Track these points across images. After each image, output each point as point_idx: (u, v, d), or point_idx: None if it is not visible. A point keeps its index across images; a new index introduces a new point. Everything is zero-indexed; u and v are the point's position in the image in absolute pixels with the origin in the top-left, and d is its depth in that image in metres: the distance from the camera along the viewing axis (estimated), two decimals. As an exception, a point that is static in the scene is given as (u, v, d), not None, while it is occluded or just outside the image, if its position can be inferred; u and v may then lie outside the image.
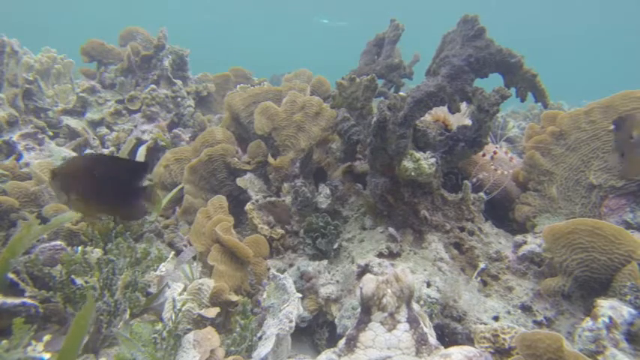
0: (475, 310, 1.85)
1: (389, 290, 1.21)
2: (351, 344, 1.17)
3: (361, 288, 1.24)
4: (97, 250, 1.89)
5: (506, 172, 2.35)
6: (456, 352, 1.14)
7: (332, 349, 1.23)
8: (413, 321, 1.19)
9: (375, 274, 1.80)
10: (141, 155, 2.68)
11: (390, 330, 1.16)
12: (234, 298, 1.89)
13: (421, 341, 1.15)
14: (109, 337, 1.64)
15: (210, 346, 1.53)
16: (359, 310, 1.25)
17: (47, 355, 1.41)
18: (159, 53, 3.96)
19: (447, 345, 1.76)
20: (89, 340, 1.58)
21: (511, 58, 1.99)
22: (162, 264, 1.95)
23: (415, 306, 1.30)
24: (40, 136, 2.99)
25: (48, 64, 4.45)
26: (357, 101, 2.10)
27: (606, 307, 1.49)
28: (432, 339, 1.19)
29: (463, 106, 2.15)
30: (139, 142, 3.34)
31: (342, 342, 1.21)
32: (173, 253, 2.22)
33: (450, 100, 2.02)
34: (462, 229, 2.20)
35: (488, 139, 2.13)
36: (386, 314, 1.18)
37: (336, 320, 1.93)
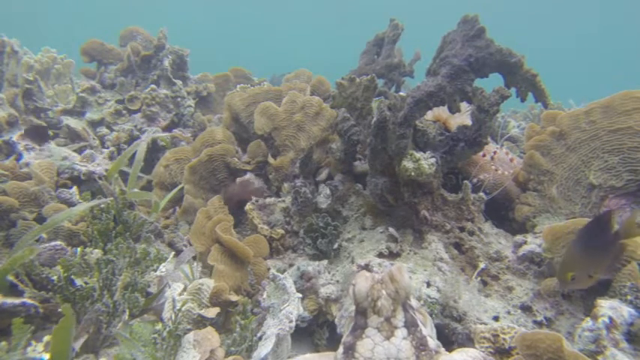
0: (475, 310, 1.84)
1: (384, 292, 1.15)
2: (349, 354, 1.12)
3: (354, 285, 1.18)
4: (96, 250, 1.88)
5: (506, 173, 2.35)
6: (459, 358, 1.12)
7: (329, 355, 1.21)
8: (411, 325, 1.14)
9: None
10: (140, 154, 2.68)
11: (387, 337, 1.11)
12: (234, 298, 1.89)
13: (420, 347, 1.11)
14: (108, 337, 1.64)
15: (210, 346, 1.53)
16: (353, 308, 1.22)
17: (47, 356, 1.41)
18: (159, 53, 3.96)
19: (447, 345, 1.76)
20: (89, 340, 1.58)
21: (511, 58, 1.99)
22: (163, 264, 1.95)
23: (414, 302, 1.25)
24: (40, 136, 2.99)
25: (48, 64, 4.45)
26: (357, 101, 2.10)
27: (606, 307, 1.49)
28: (432, 341, 1.15)
29: (463, 105, 2.15)
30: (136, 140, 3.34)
31: (340, 351, 1.17)
32: (173, 253, 2.22)
33: (450, 100, 2.02)
34: (462, 229, 2.20)
35: (489, 139, 2.13)
36: (382, 319, 1.14)
37: (336, 320, 1.93)
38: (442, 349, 1.16)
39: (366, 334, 1.14)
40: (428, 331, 1.18)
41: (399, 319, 1.14)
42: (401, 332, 1.12)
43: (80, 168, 2.69)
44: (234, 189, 2.52)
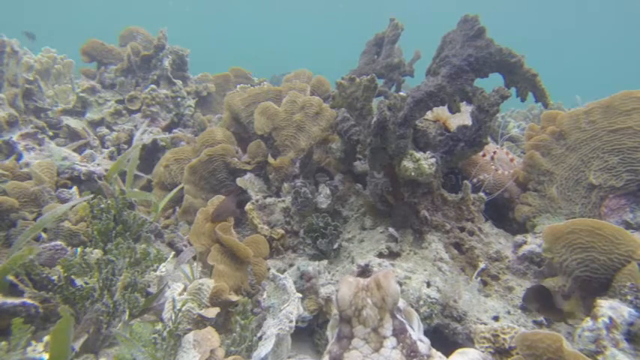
0: (475, 310, 1.84)
1: (369, 300, 1.07)
2: None
3: (337, 292, 1.10)
4: (96, 250, 1.88)
5: (506, 173, 2.35)
6: None
7: None
8: (399, 332, 1.07)
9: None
10: (135, 153, 2.68)
11: (376, 349, 1.04)
12: (234, 298, 1.89)
13: (411, 354, 1.04)
14: (108, 337, 1.64)
15: (210, 346, 1.53)
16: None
17: (47, 356, 1.41)
18: (159, 53, 3.96)
19: (447, 345, 1.75)
20: (89, 340, 1.58)
21: (511, 58, 1.99)
22: (163, 264, 1.95)
23: (401, 302, 1.17)
24: (40, 136, 2.99)
25: (48, 64, 4.44)
26: (357, 101, 2.10)
27: (606, 307, 1.49)
28: (423, 345, 1.09)
29: (463, 106, 2.15)
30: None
31: None
32: (173, 253, 2.22)
33: (450, 100, 2.02)
34: (462, 229, 2.20)
35: (489, 139, 2.13)
36: (369, 329, 1.06)
37: (336, 320, 1.93)
38: (434, 351, 1.12)
39: (352, 345, 1.06)
40: (417, 333, 1.13)
41: (387, 327, 1.07)
42: (390, 342, 1.06)
43: (80, 168, 2.69)
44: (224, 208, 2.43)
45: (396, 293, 1.08)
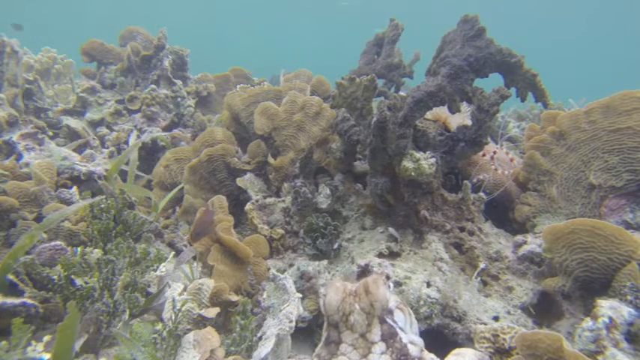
0: (475, 310, 1.84)
1: (357, 306, 1.05)
2: None
3: (324, 297, 1.10)
4: (96, 250, 1.88)
5: (506, 172, 2.35)
6: None
7: None
8: (389, 337, 1.05)
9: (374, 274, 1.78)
10: (134, 153, 2.68)
11: (364, 355, 1.03)
12: (234, 298, 1.89)
13: (401, 358, 1.03)
14: (108, 338, 1.64)
15: (210, 346, 1.53)
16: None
17: (47, 356, 1.41)
18: (159, 53, 3.96)
19: (446, 345, 1.75)
20: (89, 340, 1.58)
21: (511, 58, 1.99)
22: (163, 264, 1.95)
23: (392, 301, 1.14)
24: (40, 136, 2.99)
25: (48, 64, 4.45)
26: (357, 101, 2.10)
27: (606, 307, 1.49)
28: (414, 347, 1.07)
29: (463, 106, 2.15)
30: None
31: None
32: (173, 253, 2.22)
33: (450, 100, 2.02)
34: (462, 229, 2.20)
35: (489, 139, 2.13)
36: (357, 335, 1.05)
37: (336, 320, 1.93)
38: (425, 353, 1.09)
39: (340, 350, 1.05)
40: (409, 336, 1.11)
41: (375, 333, 1.06)
42: (379, 347, 1.04)
43: (80, 168, 2.69)
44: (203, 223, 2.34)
45: (384, 298, 1.07)
